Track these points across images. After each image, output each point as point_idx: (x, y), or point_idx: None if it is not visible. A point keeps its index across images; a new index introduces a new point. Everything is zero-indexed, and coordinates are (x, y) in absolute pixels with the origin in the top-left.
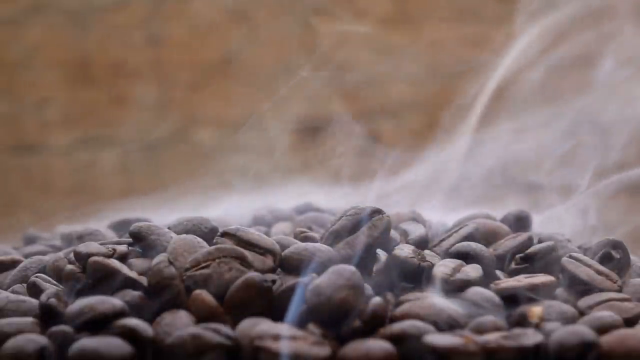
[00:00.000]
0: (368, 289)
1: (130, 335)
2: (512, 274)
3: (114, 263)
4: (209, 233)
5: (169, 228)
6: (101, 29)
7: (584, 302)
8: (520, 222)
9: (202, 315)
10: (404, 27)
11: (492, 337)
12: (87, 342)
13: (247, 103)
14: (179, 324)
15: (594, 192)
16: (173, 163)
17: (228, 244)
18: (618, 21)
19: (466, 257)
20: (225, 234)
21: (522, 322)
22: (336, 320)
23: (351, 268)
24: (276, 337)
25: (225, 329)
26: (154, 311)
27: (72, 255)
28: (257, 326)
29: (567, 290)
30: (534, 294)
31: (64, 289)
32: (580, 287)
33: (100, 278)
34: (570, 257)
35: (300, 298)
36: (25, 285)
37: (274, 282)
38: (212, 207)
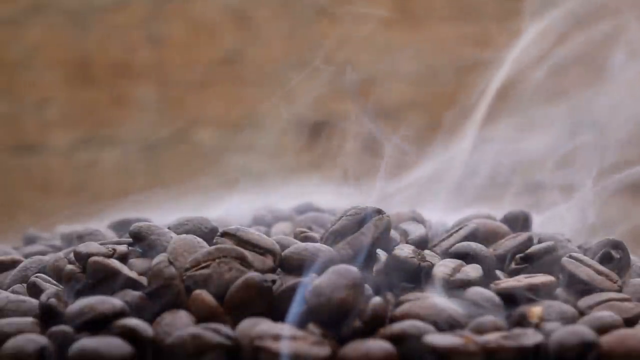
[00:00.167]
0: (368, 289)
1: (130, 335)
2: (512, 274)
3: (114, 263)
4: (209, 233)
5: (169, 228)
6: (101, 29)
7: (584, 302)
8: (520, 222)
9: (202, 315)
10: (404, 26)
11: (492, 337)
12: (87, 342)
13: (248, 103)
14: (179, 324)
15: (594, 191)
16: (173, 163)
17: (228, 244)
18: (621, 17)
19: (466, 257)
20: (225, 234)
21: (522, 322)
22: (336, 320)
23: (351, 268)
24: (276, 337)
25: (225, 329)
26: (154, 311)
27: (72, 255)
28: (257, 326)
29: (567, 290)
30: (534, 294)
31: (64, 289)
32: (580, 287)
33: (100, 278)
34: (570, 257)
35: (300, 298)
36: (25, 285)
37: (274, 282)
38: (212, 207)
